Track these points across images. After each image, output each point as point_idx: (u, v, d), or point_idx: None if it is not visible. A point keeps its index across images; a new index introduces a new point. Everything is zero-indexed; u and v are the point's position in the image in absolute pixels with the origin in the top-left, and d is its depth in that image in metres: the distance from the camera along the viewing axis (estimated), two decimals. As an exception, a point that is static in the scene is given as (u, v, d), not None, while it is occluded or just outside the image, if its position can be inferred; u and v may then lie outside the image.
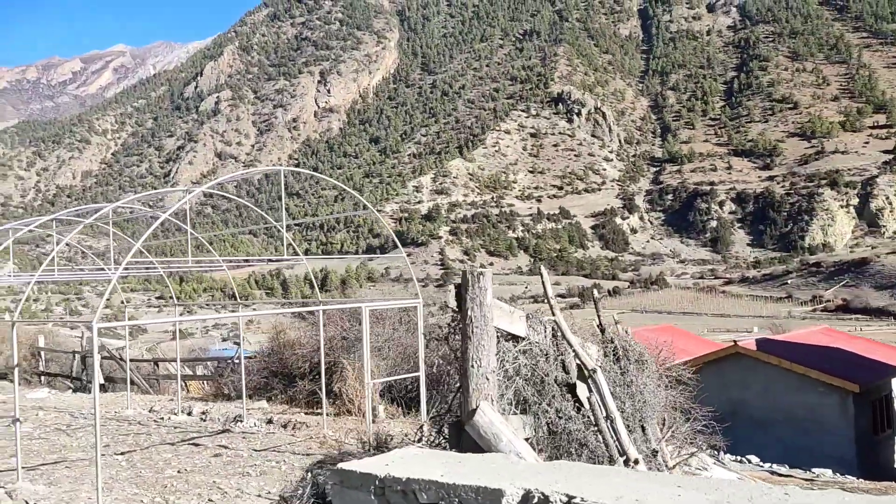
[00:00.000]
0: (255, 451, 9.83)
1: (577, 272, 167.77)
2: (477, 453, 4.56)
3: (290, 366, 14.12)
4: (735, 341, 23.25)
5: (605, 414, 6.07)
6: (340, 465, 3.78)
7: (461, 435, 5.31)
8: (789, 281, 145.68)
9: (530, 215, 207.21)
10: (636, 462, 5.98)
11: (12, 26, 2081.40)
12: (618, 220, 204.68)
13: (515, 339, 6.05)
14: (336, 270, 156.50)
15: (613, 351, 7.69)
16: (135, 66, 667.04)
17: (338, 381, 11.77)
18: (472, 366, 5.28)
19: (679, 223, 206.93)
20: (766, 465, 17.05)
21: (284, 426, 11.42)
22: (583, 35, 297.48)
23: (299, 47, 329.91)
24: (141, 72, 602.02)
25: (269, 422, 11.77)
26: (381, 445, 7.99)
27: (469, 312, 5.32)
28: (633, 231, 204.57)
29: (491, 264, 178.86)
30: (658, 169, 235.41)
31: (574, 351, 6.28)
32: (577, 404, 6.17)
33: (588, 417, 6.08)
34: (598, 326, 8.21)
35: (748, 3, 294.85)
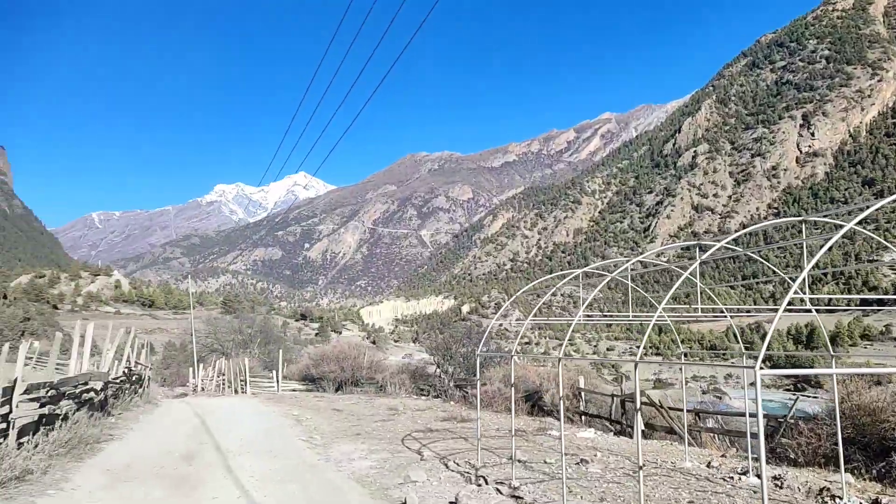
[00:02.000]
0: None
1: None
2: None
3: (870, 434, 12.15)
4: None
5: None
6: None
7: None
8: None
9: None
10: None
11: (522, 106, 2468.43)
12: None
13: None
14: (823, 326, 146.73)
15: None
16: (619, 131, 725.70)
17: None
18: None
19: None
20: None
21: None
22: None
23: (779, 92, 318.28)
24: (624, 135, 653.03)
25: (877, 504, 10.14)
26: None
27: None
28: None
29: None
30: None
31: None
32: None
33: None
34: None
35: None
